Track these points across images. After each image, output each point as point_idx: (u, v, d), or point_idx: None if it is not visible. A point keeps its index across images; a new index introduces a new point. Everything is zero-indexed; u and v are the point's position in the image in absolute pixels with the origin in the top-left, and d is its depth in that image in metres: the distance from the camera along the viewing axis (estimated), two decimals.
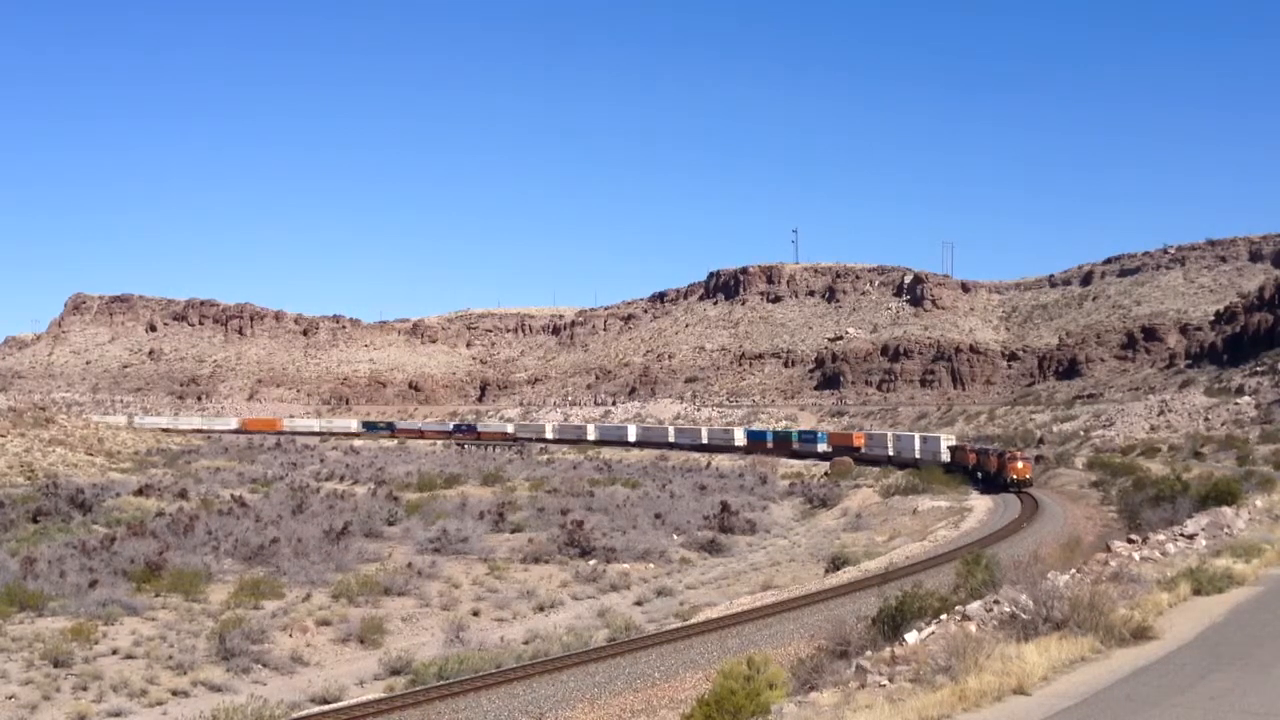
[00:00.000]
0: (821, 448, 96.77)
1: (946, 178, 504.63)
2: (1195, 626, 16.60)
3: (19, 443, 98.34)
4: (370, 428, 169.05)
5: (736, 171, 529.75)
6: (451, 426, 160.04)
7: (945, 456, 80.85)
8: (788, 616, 31.28)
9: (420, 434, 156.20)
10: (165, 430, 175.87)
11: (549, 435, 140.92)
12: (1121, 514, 46.78)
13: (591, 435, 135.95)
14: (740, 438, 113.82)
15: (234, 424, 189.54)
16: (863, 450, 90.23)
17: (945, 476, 74.92)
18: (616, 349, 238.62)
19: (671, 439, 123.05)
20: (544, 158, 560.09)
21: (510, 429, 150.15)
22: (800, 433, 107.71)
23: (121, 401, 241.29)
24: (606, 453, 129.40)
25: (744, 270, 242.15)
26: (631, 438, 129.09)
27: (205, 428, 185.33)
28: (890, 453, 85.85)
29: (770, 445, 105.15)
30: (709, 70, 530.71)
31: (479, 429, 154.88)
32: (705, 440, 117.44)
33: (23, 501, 61.81)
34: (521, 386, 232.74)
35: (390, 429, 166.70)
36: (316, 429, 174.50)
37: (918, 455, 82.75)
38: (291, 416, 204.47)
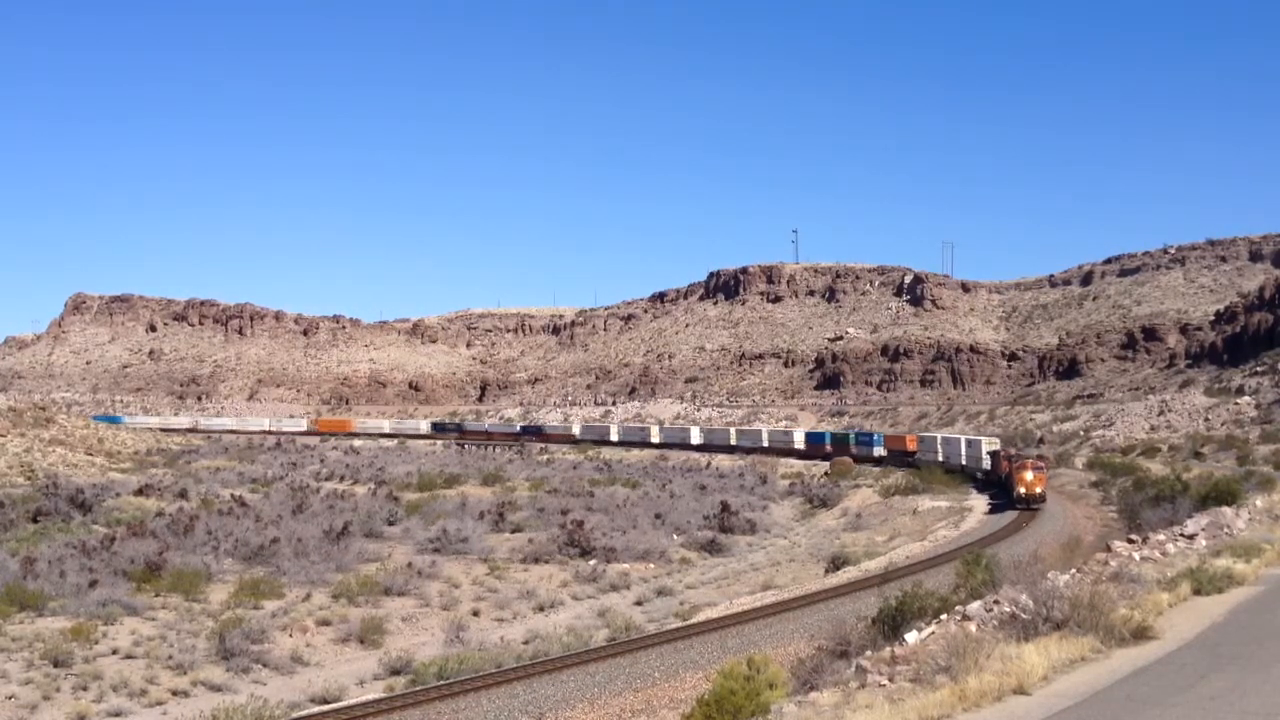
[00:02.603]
0: (878, 451, 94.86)
1: (946, 178, 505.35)
2: (1195, 626, 16.61)
3: (19, 443, 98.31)
4: (439, 429, 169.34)
5: (736, 171, 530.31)
6: (519, 429, 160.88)
7: (986, 463, 71.26)
8: (788, 616, 31.27)
9: (488, 435, 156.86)
10: (232, 432, 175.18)
11: (613, 438, 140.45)
12: (1121, 514, 46.78)
13: (655, 438, 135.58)
14: (800, 440, 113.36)
15: (304, 425, 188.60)
16: (916, 454, 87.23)
17: (945, 476, 74.56)
18: (616, 349, 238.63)
19: (733, 441, 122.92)
20: (544, 158, 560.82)
21: (576, 431, 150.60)
22: (857, 434, 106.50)
23: (121, 401, 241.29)
24: (606, 453, 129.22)
25: (744, 270, 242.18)
26: (695, 440, 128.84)
27: (274, 429, 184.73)
28: (940, 457, 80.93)
29: (829, 448, 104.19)
30: (709, 70, 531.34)
31: (545, 430, 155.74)
32: (766, 443, 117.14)
33: (23, 501, 61.74)
34: (521, 386, 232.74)
35: (459, 430, 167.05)
36: (387, 429, 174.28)
37: (963, 461, 75.58)
38: (367, 417, 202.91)
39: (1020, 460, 61.45)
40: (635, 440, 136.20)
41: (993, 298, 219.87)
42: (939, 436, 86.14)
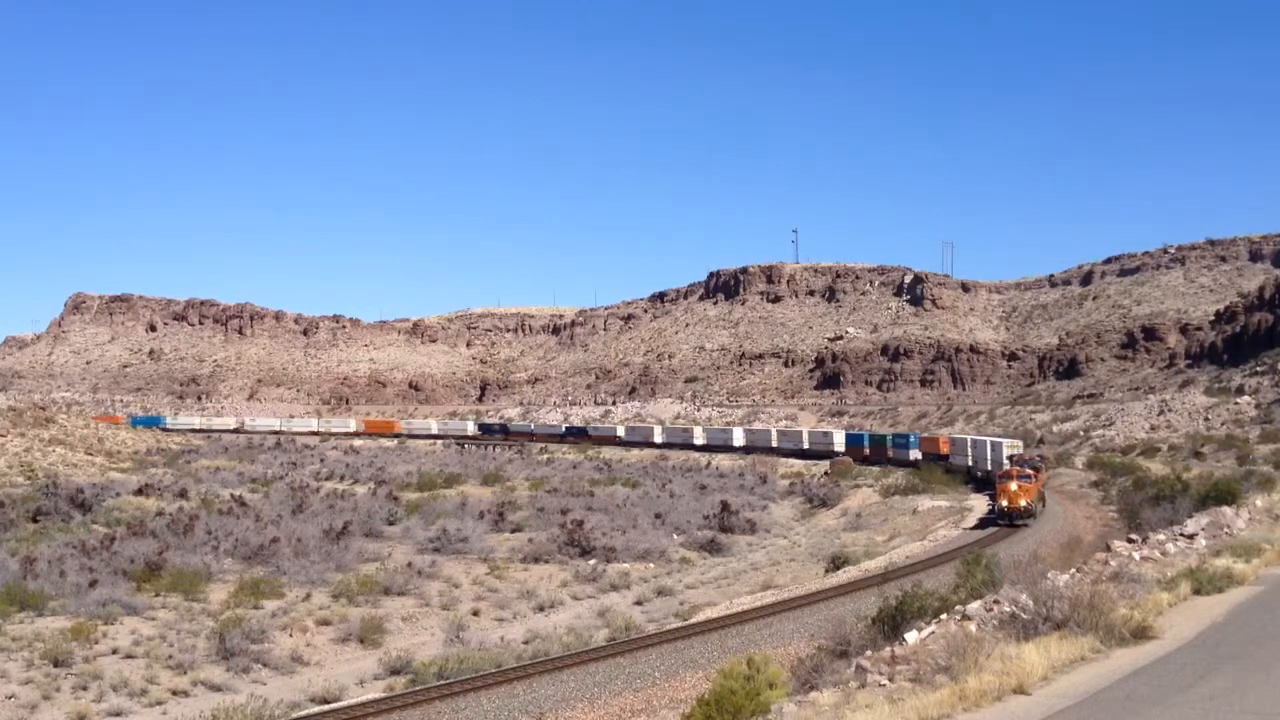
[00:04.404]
0: (914, 454, 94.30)
1: (946, 178, 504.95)
2: (1195, 626, 16.62)
3: (19, 443, 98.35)
4: (486, 430, 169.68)
5: (736, 171, 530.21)
6: (564, 430, 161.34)
7: (1007, 467, 64.94)
8: (788, 616, 31.28)
9: (532, 436, 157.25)
10: (277, 432, 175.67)
11: (657, 439, 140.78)
12: (1121, 514, 46.79)
13: (699, 439, 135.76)
14: (840, 442, 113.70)
15: (353, 426, 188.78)
16: (949, 457, 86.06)
17: (945, 476, 74.54)
18: (616, 349, 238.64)
19: (774, 443, 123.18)
20: (544, 158, 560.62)
21: (620, 432, 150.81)
22: (894, 437, 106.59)
23: (121, 401, 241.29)
24: (606, 452, 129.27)
25: (744, 270, 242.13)
26: (738, 442, 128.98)
27: (323, 430, 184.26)
28: (970, 460, 79.04)
29: (868, 451, 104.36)
30: (708, 70, 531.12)
31: (589, 432, 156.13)
32: (806, 445, 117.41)
33: (23, 501, 61.76)
34: (521, 386, 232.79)
35: (504, 431, 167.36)
36: (434, 430, 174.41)
37: (989, 465, 70.93)
38: (413, 418, 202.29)
39: (1005, 467, 54.14)
40: (678, 442, 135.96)
41: (993, 298, 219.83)
42: (969, 439, 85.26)
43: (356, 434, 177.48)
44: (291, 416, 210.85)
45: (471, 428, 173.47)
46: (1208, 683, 13.31)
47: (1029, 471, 51.96)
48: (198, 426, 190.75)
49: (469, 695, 23.51)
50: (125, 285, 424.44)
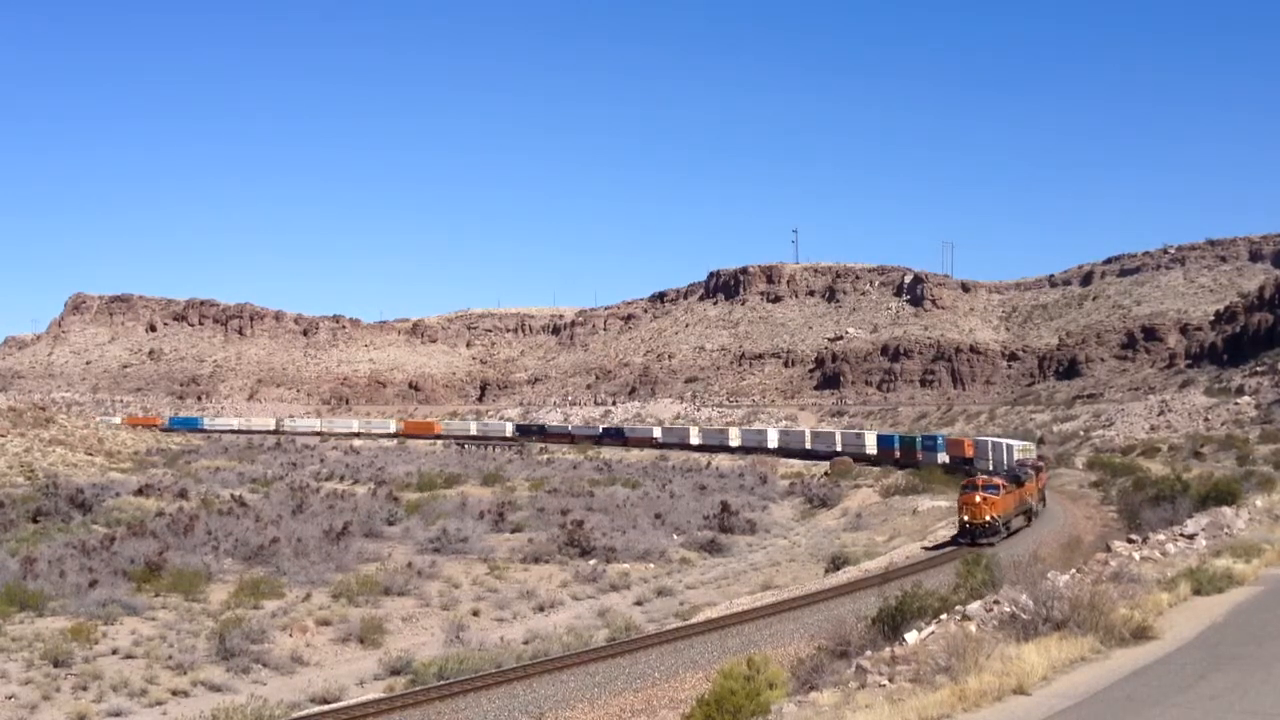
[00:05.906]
0: (941, 457, 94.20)
1: (946, 178, 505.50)
2: (1195, 626, 16.62)
3: (19, 443, 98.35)
4: (523, 431, 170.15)
5: (736, 171, 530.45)
6: (600, 431, 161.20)
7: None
8: (788, 616, 31.27)
9: (570, 438, 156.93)
10: (318, 434, 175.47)
11: (693, 440, 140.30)
12: (1121, 514, 46.77)
13: (734, 441, 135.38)
14: (871, 443, 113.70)
15: (392, 427, 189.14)
16: (974, 460, 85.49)
17: (946, 476, 74.47)
18: (616, 349, 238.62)
19: (808, 445, 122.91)
20: (544, 158, 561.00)
21: (657, 434, 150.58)
22: (923, 438, 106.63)
23: (121, 402, 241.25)
24: (606, 452, 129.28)
25: (744, 270, 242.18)
26: (771, 444, 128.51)
27: (362, 431, 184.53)
28: (990, 464, 78.09)
29: (898, 453, 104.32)
30: (708, 70, 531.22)
31: (626, 434, 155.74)
32: (839, 447, 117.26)
33: (23, 501, 61.73)
34: (521, 386, 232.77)
35: (542, 431, 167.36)
36: (473, 431, 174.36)
37: (1005, 467, 67.94)
38: (452, 418, 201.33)
39: (970, 478, 49.15)
40: (715, 444, 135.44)
41: (993, 298, 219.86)
42: (989, 441, 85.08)
43: (397, 435, 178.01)
44: (331, 417, 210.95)
45: (510, 429, 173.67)
46: (1208, 683, 13.30)
47: (996, 481, 45.55)
48: (236, 427, 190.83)
49: (469, 695, 23.51)
50: (125, 285, 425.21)
